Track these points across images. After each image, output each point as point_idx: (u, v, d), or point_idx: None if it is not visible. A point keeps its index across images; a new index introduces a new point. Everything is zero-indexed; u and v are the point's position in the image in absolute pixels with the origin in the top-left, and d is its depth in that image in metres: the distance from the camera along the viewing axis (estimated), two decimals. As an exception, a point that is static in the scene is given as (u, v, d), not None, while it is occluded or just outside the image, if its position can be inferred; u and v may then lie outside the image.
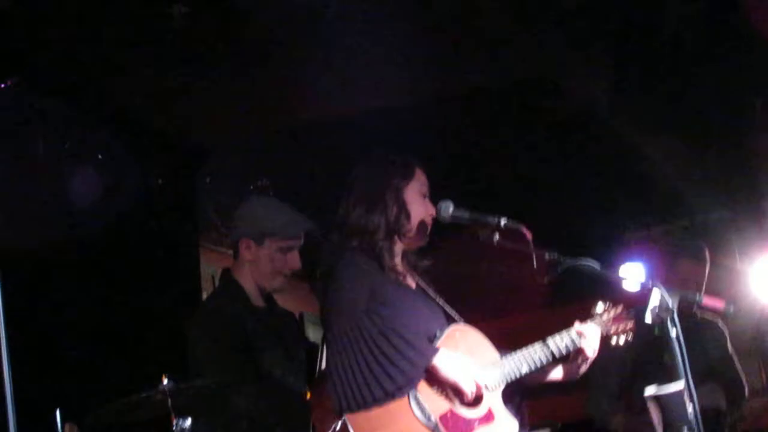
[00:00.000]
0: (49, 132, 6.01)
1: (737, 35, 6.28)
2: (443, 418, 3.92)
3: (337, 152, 4.74)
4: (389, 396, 3.83)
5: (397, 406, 3.85)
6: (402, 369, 3.85)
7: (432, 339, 4.09)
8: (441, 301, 4.33)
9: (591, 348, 4.29)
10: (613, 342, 4.39)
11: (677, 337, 3.75)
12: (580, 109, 6.99)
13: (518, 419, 4.18)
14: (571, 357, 4.33)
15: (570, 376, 4.38)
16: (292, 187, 6.83)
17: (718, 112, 7.06)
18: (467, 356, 4.08)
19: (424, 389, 3.93)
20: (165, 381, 4.28)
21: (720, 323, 6.26)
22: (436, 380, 3.95)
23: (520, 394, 4.32)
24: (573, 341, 4.28)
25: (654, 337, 3.98)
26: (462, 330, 4.21)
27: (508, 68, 6.56)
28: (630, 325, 4.43)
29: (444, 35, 6.09)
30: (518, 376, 4.18)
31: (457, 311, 4.33)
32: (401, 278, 4.26)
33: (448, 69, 6.34)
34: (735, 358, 6.25)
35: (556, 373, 4.40)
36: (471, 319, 4.32)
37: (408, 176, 4.29)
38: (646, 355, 5.74)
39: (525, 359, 4.20)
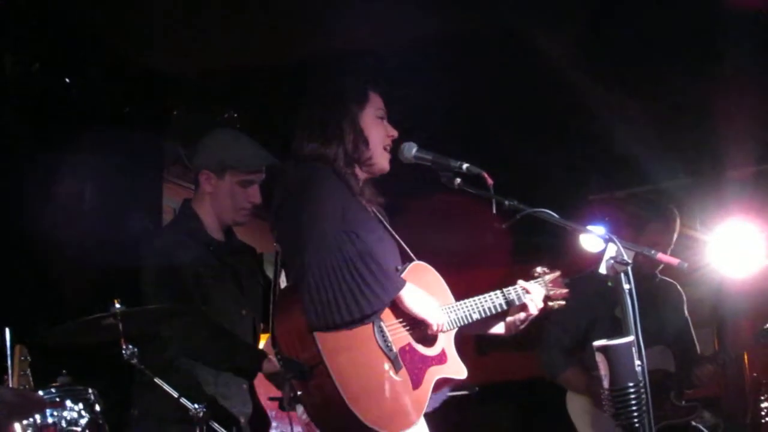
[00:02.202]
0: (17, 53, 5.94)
1: (705, 2, 6.30)
2: (402, 350, 3.95)
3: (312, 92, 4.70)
4: (361, 319, 3.83)
5: (361, 331, 3.86)
6: (377, 294, 3.84)
7: (397, 270, 4.11)
8: (397, 237, 4.32)
9: (534, 305, 4.36)
10: (549, 306, 4.46)
11: (630, 291, 3.77)
12: (550, 67, 6.98)
13: None
14: (512, 311, 4.39)
15: (510, 331, 4.44)
16: (262, 124, 6.82)
17: (684, 81, 7.09)
18: (431, 293, 4.11)
19: (388, 319, 3.96)
20: (117, 305, 4.29)
21: (678, 287, 6.31)
22: (400, 312, 3.98)
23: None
24: (519, 296, 4.35)
25: (608, 291, 4.00)
26: (422, 268, 4.23)
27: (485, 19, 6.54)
28: (563, 292, 4.51)
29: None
30: (470, 321, 4.21)
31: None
32: (366, 206, 4.24)
33: (423, 16, 6.30)
34: (690, 323, 6.30)
35: (498, 328, 4.46)
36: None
37: (362, 101, 4.24)
38: (600, 309, 5.79)
39: (477, 306, 4.24)
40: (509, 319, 4.42)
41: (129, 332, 4.30)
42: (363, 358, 3.85)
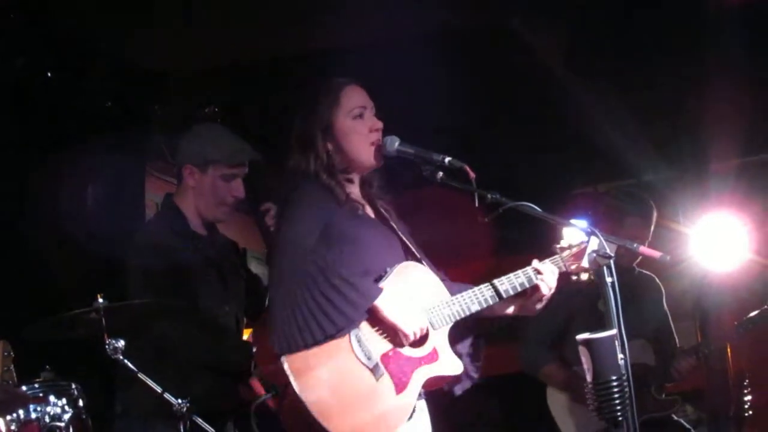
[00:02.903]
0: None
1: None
2: (385, 356, 3.93)
3: (296, 86, 4.70)
4: (329, 337, 3.83)
5: (336, 344, 3.86)
6: (342, 310, 3.85)
7: (382, 276, 4.08)
8: (400, 232, 4.30)
9: (547, 286, 4.22)
10: (573, 280, 4.33)
11: (612, 285, 3.78)
12: (534, 61, 7.00)
13: (476, 360, 4.23)
14: (528, 294, 4.26)
15: (525, 312, 4.31)
16: (243, 119, 6.82)
17: (666, 74, 7.11)
18: (415, 294, 4.08)
19: (366, 328, 3.94)
20: (100, 300, 4.28)
21: (657, 280, 6.32)
22: (378, 320, 3.95)
23: (482, 336, 4.33)
24: (530, 278, 4.22)
25: (589, 285, 4.01)
26: (412, 267, 4.19)
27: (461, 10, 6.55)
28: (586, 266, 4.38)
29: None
30: (467, 314, 4.16)
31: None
32: (359, 209, 4.22)
33: (407, 12, 6.32)
34: (669, 316, 6.31)
35: (512, 309, 4.31)
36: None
37: (333, 104, 4.18)
38: (580, 302, 5.78)
39: (476, 298, 4.18)
40: (521, 301, 4.28)
41: (113, 327, 4.30)
42: (336, 372, 3.85)
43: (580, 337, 3.72)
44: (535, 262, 4.27)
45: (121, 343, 4.27)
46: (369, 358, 3.89)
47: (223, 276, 4.94)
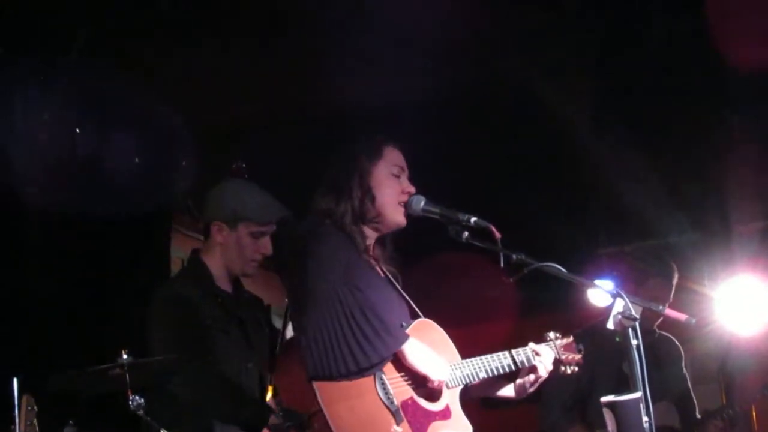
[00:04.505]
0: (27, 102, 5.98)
1: (711, 63, 6.35)
2: (404, 404, 3.98)
3: (322, 144, 4.74)
4: (360, 371, 3.90)
5: (363, 383, 3.91)
6: (376, 347, 3.91)
7: (402, 326, 4.13)
8: (406, 296, 4.34)
9: (544, 367, 4.37)
10: (561, 370, 4.47)
11: (638, 347, 3.77)
12: (561, 123, 7.03)
13: None
14: (522, 372, 4.39)
15: (519, 394, 4.45)
16: (271, 175, 6.84)
17: (691, 137, 7.13)
18: (433, 350, 4.12)
19: (390, 373, 4.00)
20: (124, 355, 4.29)
21: (676, 342, 6.30)
22: (403, 366, 4.02)
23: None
24: (529, 358, 4.35)
25: (612, 347, 4.00)
26: (428, 325, 4.26)
27: (493, 76, 6.60)
28: (576, 358, 4.52)
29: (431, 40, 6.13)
30: (475, 379, 4.23)
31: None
32: (374, 264, 4.29)
33: (432, 73, 6.37)
34: (688, 378, 6.28)
35: (507, 390, 4.46)
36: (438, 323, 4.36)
37: (374, 157, 4.27)
38: (603, 365, 5.76)
39: (484, 365, 4.25)
40: (519, 381, 4.42)
41: (136, 383, 4.30)
42: (363, 409, 3.90)
43: (605, 399, 3.71)
44: (532, 344, 4.42)
45: (144, 398, 4.27)
46: (391, 402, 3.95)
47: (246, 333, 4.92)
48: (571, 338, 4.56)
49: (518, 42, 6.45)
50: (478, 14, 6.05)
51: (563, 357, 4.48)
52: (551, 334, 4.53)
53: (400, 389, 4.00)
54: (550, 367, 4.40)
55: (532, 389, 4.43)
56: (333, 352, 3.86)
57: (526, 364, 4.36)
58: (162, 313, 4.77)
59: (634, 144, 7.18)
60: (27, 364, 5.16)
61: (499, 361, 4.31)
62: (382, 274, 4.35)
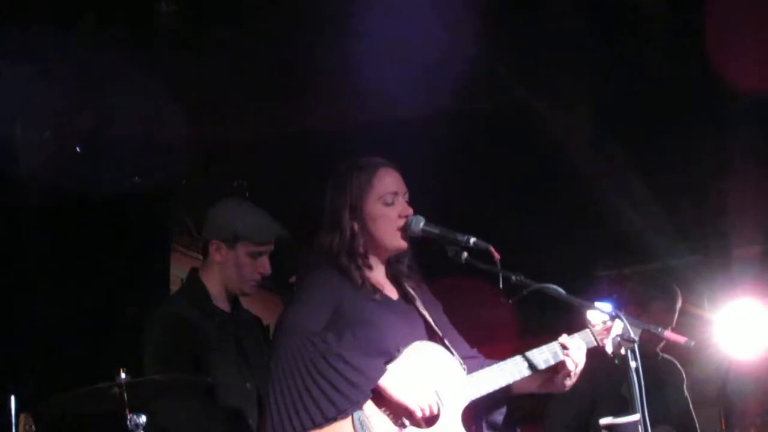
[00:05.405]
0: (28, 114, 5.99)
1: (711, 86, 6.37)
2: None
3: (322, 163, 4.74)
4: (329, 420, 3.81)
5: (338, 427, 3.83)
6: (343, 392, 3.82)
7: (394, 356, 4.05)
8: (427, 312, 4.28)
9: (573, 362, 4.15)
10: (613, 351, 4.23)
11: (637, 369, 3.75)
12: (558, 145, 7.04)
13: None
14: (557, 369, 4.20)
15: (556, 389, 4.25)
16: (271, 195, 6.85)
17: (690, 159, 7.14)
18: (426, 372, 4.04)
19: (371, 410, 3.91)
20: (122, 374, 4.27)
21: (678, 365, 6.28)
22: (384, 401, 3.93)
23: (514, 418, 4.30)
24: (555, 354, 4.19)
25: (614, 368, 3.97)
26: (424, 346, 4.16)
27: (491, 98, 6.62)
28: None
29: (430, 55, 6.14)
30: (487, 392, 4.13)
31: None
32: (379, 291, 4.21)
33: (430, 89, 6.38)
34: (689, 402, 6.26)
35: (544, 386, 4.29)
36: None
37: (365, 186, 4.18)
38: (604, 386, 5.74)
39: (498, 374, 4.15)
40: (553, 377, 4.23)
41: (134, 402, 4.28)
42: None
43: (604, 421, 3.70)
44: (562, 337, 4.22)
45: (143, 419, 4.25)
46: None
47: (245, 353, 4.92)
48: (611, 324, 4.11)
49: (517, 64, 6.46)
50: (475, 36, 6.06)
51: (604, 342, 4.11)
52: (592, 319, 4.24)
53: (383, 425, 3.91)
54: (579, 359, 4.15)
55: (567, 383, 4.20)
56: (296, 405, 3.79)
57: (552, 362, 4.18)
58: (160, 332, 4.77)
59: (632, 167, 7.20)
60: (25, 383, 5.15)
61: (510, 372, 4.17)
62: (397, 295, 4.29)
